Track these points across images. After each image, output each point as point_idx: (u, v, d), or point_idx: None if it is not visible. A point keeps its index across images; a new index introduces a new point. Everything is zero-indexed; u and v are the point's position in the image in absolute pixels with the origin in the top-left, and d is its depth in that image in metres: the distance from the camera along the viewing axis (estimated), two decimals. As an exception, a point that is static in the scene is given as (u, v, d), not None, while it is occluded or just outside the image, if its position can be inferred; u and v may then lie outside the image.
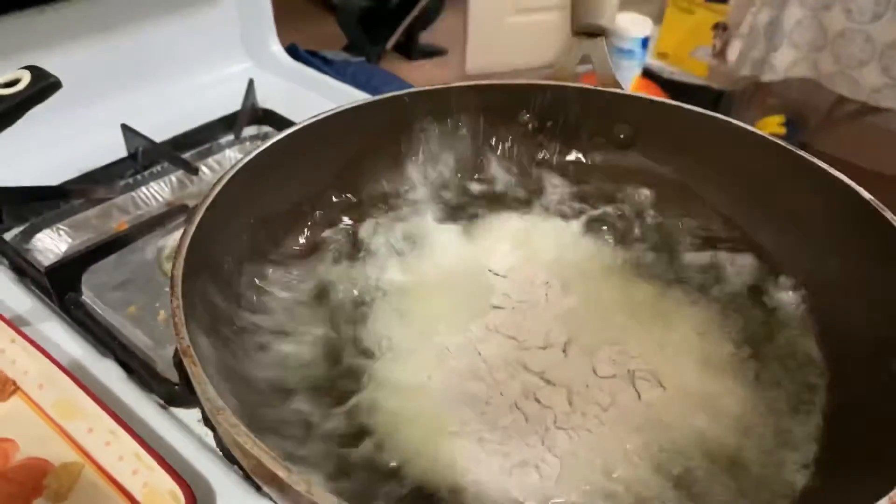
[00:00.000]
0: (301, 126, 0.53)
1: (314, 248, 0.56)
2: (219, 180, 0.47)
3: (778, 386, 0.46)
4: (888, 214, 0.45)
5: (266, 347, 0.48)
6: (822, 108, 2.20)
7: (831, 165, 0.49)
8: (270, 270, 0.53)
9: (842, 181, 0.49)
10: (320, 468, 0.40)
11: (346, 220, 0.58)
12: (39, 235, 0.70)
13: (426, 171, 0.60)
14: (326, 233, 0.57)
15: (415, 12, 2.55)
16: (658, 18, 2.35)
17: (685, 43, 2.38)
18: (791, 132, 2.19)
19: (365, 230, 0.58)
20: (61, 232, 0.71)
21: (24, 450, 0.49)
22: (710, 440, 0.43)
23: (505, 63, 2.61)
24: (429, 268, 0.55)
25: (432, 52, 2.84)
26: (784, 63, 2.01)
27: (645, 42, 2.28)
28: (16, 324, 0.57)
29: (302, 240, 0.56)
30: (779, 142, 0.53)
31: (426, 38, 2.81)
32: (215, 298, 0.45)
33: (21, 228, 0.70)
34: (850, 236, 0.49)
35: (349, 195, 0.59)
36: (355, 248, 0.56)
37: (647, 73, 2.35)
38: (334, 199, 0.58)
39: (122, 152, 0.79)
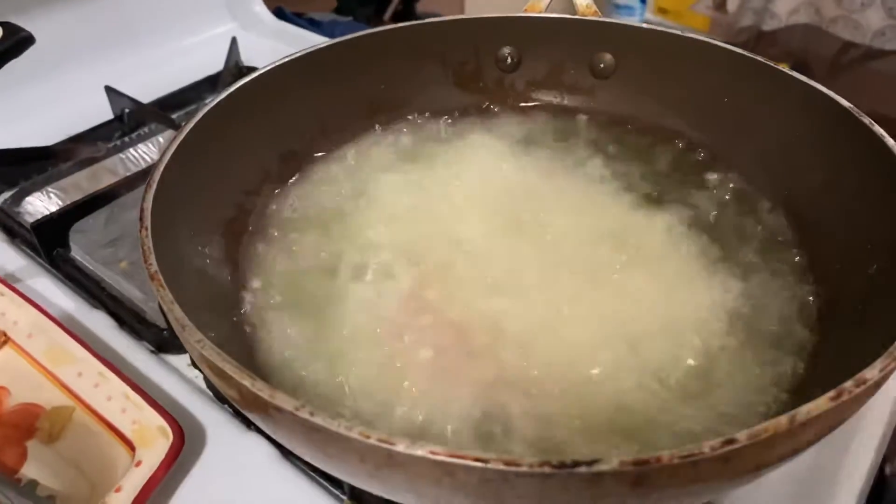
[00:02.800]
0: (266, 70, 0.53)
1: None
2: (191, 118, 0.47)
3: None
4: (866, 120, 0.45)
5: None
6: (826, 55, 2.16)
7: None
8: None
9: (822, 92, 0.48)
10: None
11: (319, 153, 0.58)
12: (29, 199, 0.71)
13: (391, 111, 0.60)
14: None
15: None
16: (656, -28, 2.31)
17: (685, -5, 2.34)
18: (795, 81, 2.15)
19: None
20: (51, 195, 0.72)
21: (16, 396, 0.50)
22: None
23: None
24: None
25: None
26: (785, 10, 1.97)
27: (643, -2, 2.24)
28: (7, 281, 0.58)
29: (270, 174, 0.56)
30: (759, 58, 0.52)
31: (423, 6, 2.78)
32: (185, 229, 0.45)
33: (11, 192, 0.71)
34: (833, 148, 0.48)
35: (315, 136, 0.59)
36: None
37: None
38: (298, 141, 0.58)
39: (108, 115, 0.79)
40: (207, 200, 0.48)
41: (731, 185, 0.54)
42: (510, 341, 0.43)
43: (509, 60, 0.61)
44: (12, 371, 0.51)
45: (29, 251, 0.64)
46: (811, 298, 0.45)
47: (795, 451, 0.30)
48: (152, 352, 0.55)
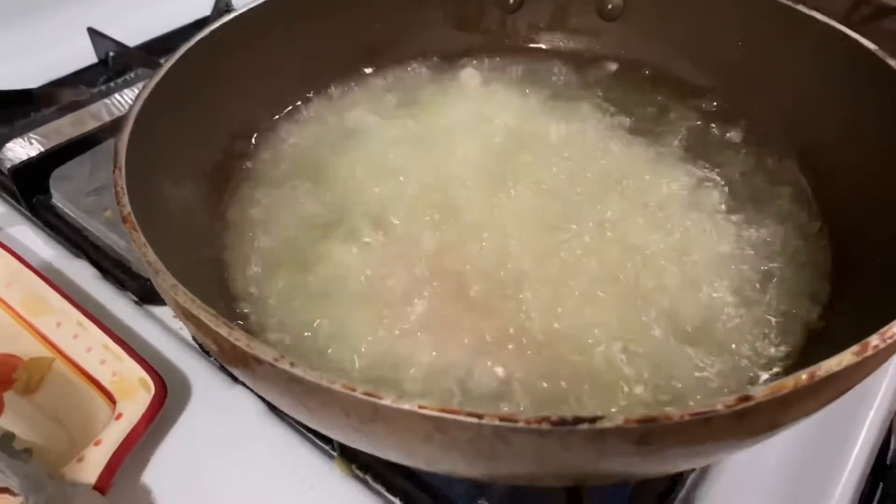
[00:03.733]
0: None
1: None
2: (172, 55, 0.44)
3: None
4: (893, 63, 0.42)
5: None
6: (836, 13, 2.11)
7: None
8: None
9: (844, 33, 0.45)
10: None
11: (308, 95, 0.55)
12: (10, 144, 0.68)
13: (385, 53, 0.57)
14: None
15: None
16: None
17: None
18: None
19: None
20: (33, 140, 0.69)
21: (-7, 346, 0.48)
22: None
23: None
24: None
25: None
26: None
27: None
28: (-15, 229, 0.55)
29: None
30: (776, -2, 0.49)
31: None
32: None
33: (-8, 139, 0.68)
34: (854, 95, 0.45)
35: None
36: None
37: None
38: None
39: (92, 58, 0.76)
40: (190, 143, 0.45)
41: (744, 135, 0.51)
42: (510, 296, 0.41)
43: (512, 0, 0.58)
44: (-11, 321, 0.49)
45: (9, 198, 0.62)
46: (826, 254, 0.43)
47: (814, 410, 0.28)
48: (136, 303, 0.53)
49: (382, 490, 0.42)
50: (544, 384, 0.37)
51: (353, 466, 0.43)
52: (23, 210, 0.60)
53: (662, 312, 0.39)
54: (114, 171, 0.36)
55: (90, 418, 0.43)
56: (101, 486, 0.38)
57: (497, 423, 0.24)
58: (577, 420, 0.24)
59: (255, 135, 0.52)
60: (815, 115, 0.47)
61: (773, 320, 0.39)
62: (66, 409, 0.44)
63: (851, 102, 0.45)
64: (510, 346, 0.39)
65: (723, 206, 0.45)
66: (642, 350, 0.38)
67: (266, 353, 0.27)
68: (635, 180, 0.48)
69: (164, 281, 0.30)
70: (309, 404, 0.28)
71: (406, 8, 0.56)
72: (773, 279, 0.41)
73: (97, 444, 0.40)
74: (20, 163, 0.58)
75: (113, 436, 0.41)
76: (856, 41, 0.44)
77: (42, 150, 0.68)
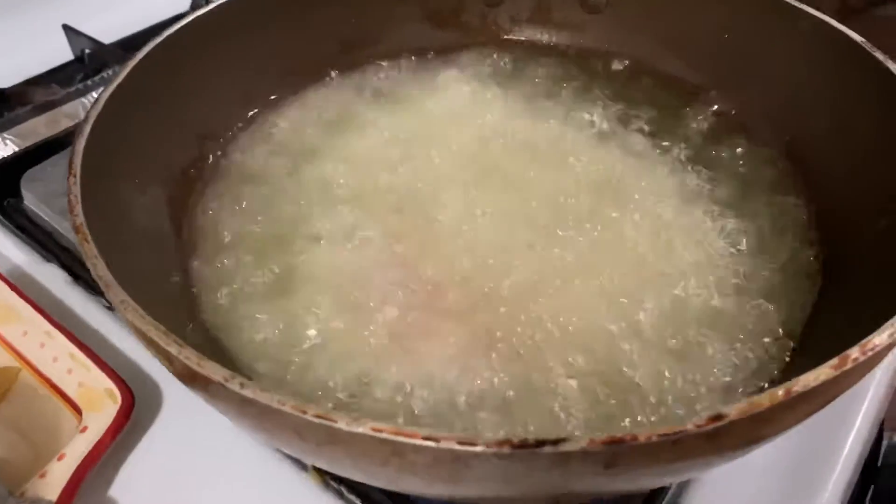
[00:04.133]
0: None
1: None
2: (136, 53, 0.43)
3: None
4: (879, 55, 0.40)
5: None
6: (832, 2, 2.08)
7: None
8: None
9: (830, 25, 0.44)
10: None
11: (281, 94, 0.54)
12: (-18, 145, 0.67)
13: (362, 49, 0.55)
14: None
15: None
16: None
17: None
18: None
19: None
20: (7, 141, 0.67)
21: (-42, 357, 0.46)
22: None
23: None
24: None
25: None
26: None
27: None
28: (-45, 233, 0.54)
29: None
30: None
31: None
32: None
33: (-36, 139, 0.66)
34: (841, 87, 0.44)
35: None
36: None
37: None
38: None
39: (68, 56, 0.74)
40: (154, 146, 0.44)
41: (730, 130, 0.49)
42: (494, 297, 0.40)
43: (491, -8, 0.56)
44: (-47, 331, 0.48)
45: (-20, 200, 0.60)
46: (813, 253, 0.42)
47: (792, 425, 0.27)
48: (108, 308, 0.51)
49: (357, 502, 0.41)
50: (528, 394, 0.36)
51: (328, 478, 0.42)
52: (-8, 214, 0.58)
53: (649, 319, 0.38)
54: (68, 179, 0.34)
55: (55, 431, 0.42)
56: (63, 503, 0.37)
57: (455, 446, 0.23)
58: (540, 443, 0.23)
59: (224, 136, 0.50)
60: (804, 109, 0.46)
61: (750, 325, 0.38)
62: (30, 422, 0.43)
63: (840, 94, 0.44)
64: (492, 355, 0.38)
65: (705, 203, 0.44)
66: (630, 359, 0.37)
67: (216, 373, 0.26)
68: (619, 179, 0.46)
69: (114, 296, 0.29)
70: (264, 425, 0.27)
71: (382, 2, 0.55)
72: (759, 285, 0.40)
73: (60, 458, 0.39)
74: (-14, 166, 0.57)
75: (77, 450, 0.39)
76: (842, 32, 0.43)
77: (17, 150, 0.67)
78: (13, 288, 0.48)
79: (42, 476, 0.38)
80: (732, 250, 0.42)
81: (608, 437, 0.23)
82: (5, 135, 0.68)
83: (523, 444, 0.23)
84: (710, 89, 0.51)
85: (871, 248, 0.38)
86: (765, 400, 0.24)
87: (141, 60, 0.43)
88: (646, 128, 0.50)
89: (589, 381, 0.37)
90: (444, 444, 0.23)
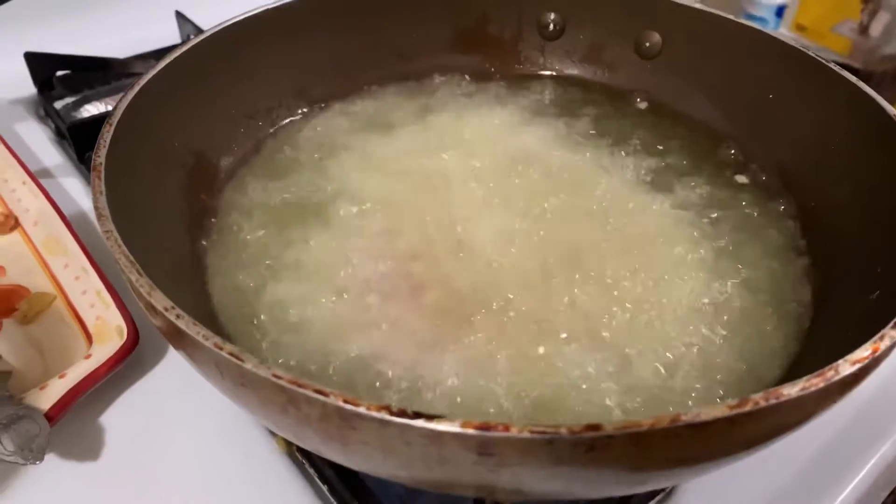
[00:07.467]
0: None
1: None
2: (168, 55, 0.47)
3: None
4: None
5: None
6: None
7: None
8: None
9: (868, 95, 0.42)
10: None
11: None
12: (88, 106, 0.74)
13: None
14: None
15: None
16: (800, -15, 2.16)
17: (829, 15, 2.15)
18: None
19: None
20: (109, 104, 0.75)
21: (11, 277, 0.52)
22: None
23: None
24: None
25: None
26: (934, 40, 1.79)
27: (780, 11, 2.10)
28: (41, 176, 0.61)
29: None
30: (811, 54, 0.47)
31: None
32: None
33: (74, 98, 0.75)
34: (872, 159, 0.43)
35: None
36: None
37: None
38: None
39: (176, 39, 0.82)
40: (203, 122, 0.48)
41: (753, 185, 0.49)
42: (495, 319, 0.41)
43: (552, 27, 0.58)
44: (13, 254, 0.54)
45: (71, 151, 0.67)
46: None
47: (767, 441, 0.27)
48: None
49: (314, 476, 0.43)
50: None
51: (294, 448, 0.44)
52: (78, 164, 0.65)
53: (645, 343, 0.39)
54: (91, 172, 0.38)
55: (68, 354, 0.47)
56: (52, 415, 0.41)
57: (340, 403, 0.25)
58: (417, 415, 0.24)
59: (271, 124, 0.54)
60: (831, 174, 0.45)
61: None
62: (51, 343, 0.48)
63: (867, 166, 0.42)
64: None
65: (714, 249, 0.44)
66: (622, 381, 0.37)
67: (160, 302, 0.29)
68: (625, 212, 0.47)
69: (103, 226, 0.33)
70: (195, 358, 0.29)
71: (447, 25, 0.58)
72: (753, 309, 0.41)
73: (61, 377, 0.43)
74: (77, 121, 0.64)
75: (77, 372, 0.43)
76: (879, 105, 0.42)
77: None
78: (67, 225, 0.53)
79: (42, 388, 0.42)
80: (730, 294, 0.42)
81: (481, 423, 0.24)
82: (108, 99, 0.76)
83: (401, 413, 0.24)
84: (744, 144, 0.51)
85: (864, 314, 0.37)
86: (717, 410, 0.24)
87: (201, 41, 0.47)
88: (665, 172, 0.50)
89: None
90: (331, 399, 0.25)
